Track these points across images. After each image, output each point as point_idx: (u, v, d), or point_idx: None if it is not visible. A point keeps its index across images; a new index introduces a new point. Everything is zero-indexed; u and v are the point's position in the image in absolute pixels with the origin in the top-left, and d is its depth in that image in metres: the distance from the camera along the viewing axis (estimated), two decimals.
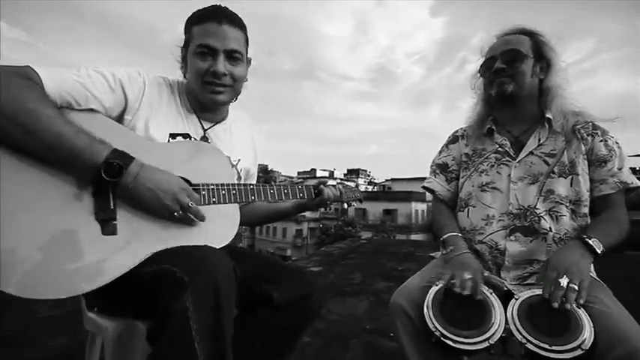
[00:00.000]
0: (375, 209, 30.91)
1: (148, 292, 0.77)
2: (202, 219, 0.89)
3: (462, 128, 1.31)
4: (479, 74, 1.22)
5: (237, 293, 0.77)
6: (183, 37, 1.03)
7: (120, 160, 0.78)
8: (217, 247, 0.85)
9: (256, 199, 1.02)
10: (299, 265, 4.19)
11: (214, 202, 0.93)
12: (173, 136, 0.98)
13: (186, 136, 1.01)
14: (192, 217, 0.87)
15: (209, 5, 1.00)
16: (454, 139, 1.30)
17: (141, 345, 0.84)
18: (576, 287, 0.82)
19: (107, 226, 0.79)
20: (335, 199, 1.20)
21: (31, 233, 0.72)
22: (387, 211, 30.96)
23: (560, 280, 0.84)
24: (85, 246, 0.76)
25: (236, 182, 1.01)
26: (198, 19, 0.99)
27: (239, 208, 1.01)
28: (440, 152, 1.32)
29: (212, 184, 0.94)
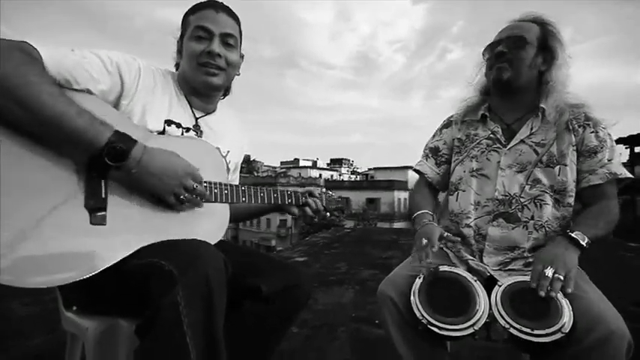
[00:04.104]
0: (358, 198, 31.22)
1: (135, 286, 0.75)
2: (207, 198, 0.91)
3: (457, 113, 1.30)
4: (483, 56, 1.19)
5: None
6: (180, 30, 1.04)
7: (123, 144, 0.74)
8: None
9: (247, 201, 1.02)
10: (284, 257, 4.20)
11: (206, 201, 0.91)
12: (168, 122, 0.96)
13: (179, 125, 0.99)
14: (197, 199, 0.88)
15: None
16: (448, 123, 1.31)
17: (124, 345, 0.82)
18: (562, 277, 0.85)
19: (96, 215, 0.76)
20: (317, 209, 1.22)
21: (15, 217, 0.67)
22: (370, 200, 31.36)
23: (545, 271, 0.86)
24: (72, 234, 0.72)
25: (228, 182, 1.00)
26: (195, 9, 1.01)
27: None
28: (433, 136, 1.33)
29: (205, 182, 0.91)
